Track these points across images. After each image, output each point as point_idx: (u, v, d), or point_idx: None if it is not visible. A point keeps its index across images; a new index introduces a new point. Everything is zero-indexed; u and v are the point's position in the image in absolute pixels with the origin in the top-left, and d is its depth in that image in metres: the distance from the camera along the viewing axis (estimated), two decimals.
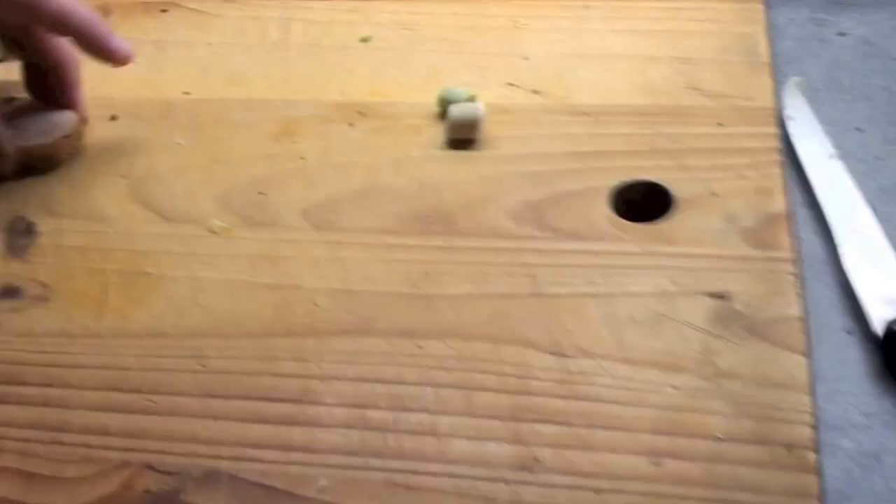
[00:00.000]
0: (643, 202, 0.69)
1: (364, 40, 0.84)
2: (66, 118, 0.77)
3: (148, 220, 0.72)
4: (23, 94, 0.77)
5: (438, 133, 0.75)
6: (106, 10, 0.89)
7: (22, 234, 0.71)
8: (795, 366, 0.59)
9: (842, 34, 0.81)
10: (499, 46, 0.83)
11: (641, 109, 0.75)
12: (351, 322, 0.64)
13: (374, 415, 0.61)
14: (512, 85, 0.78)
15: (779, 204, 0.67)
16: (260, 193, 0.73)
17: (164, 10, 0.90)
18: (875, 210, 0.67)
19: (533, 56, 0.81)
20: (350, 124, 0.77)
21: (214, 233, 0.70)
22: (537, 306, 0.64)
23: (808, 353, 0.59)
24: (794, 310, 0.61)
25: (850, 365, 0.60)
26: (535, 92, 0.77)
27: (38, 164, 0.75)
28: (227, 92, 0.81)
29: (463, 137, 0.74)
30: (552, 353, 0.61)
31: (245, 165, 0.75)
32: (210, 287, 0.67)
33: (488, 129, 0.75)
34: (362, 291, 0.66)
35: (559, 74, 0.79)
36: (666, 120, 0.74)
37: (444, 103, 0.75)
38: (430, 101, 0.76)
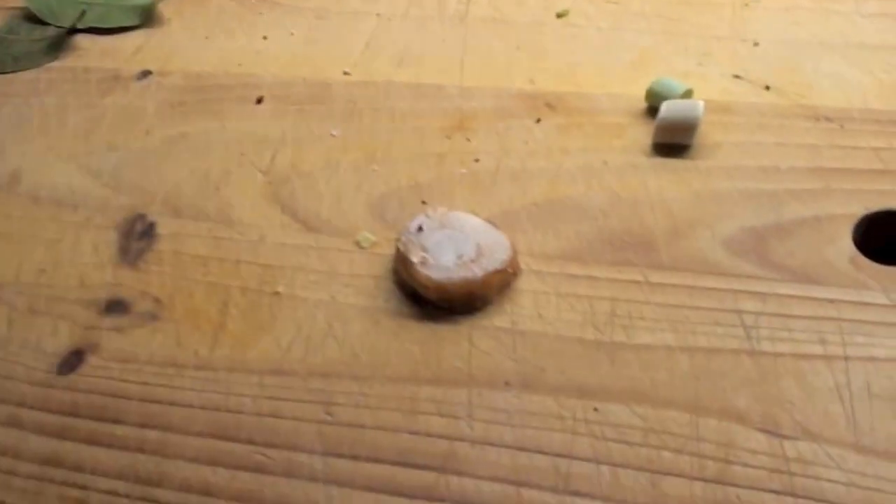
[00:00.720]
0: (894, 238, 0.62)
1: (560, 15, 0.77)
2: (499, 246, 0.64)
3: (286, 226, 0.68)
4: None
5: (644, 135, 0.70)
6: None
7: (139, 236, 0.66)
8: None
9: None
10: (723, 28, 0.77)
11: None
12: (515, 372, 0.59)
13: (532, 496, 0.55)
14: (737, 77, 0.72)
15: None
16: (423, 202, 0.67)
17: None
18: None
19: (764, 42, 0.74)
20: (536, 120, 0.72)
21: (362, 248, 0.65)
22: (751, 368, 0.58)
23: None
24: None
25: None
26: (766, 88, 0.71)
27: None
28: (394, 74, 0.76)
29: (675, 142, 0.68)
30: (765, 432, 0.55)
31: (407, 166, 0.71)
32: (350, 315, 0.63)
33: (706, 133, 0.69)
34: (531, 332, 0.60)
35: (796, 67, 0.72)
36: None
37: (655, 98, 0.70)
38: (637, 95, 0.72)
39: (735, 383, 0.57)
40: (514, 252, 0.63)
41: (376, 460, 0.56)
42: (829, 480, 0.53)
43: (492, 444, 0.56)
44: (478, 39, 0.78)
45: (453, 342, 0.61)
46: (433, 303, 0.62)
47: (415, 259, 0.61)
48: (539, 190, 0.67)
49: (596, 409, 0.57)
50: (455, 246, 0.63)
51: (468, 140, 0.71)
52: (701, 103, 0.67)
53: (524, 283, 0.63)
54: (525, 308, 0.62)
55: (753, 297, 0.60)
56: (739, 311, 0.59)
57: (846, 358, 0.57)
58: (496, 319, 0.62)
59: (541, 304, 0.62)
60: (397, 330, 0.62)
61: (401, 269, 0.63)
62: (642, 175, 0.67)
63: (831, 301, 0.59)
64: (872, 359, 0.56)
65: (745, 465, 0.54)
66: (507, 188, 0.68)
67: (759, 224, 0.63)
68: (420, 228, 0.63)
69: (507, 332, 0.61)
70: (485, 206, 0.67)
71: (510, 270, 0.62)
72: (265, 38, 0.80)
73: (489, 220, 0.64)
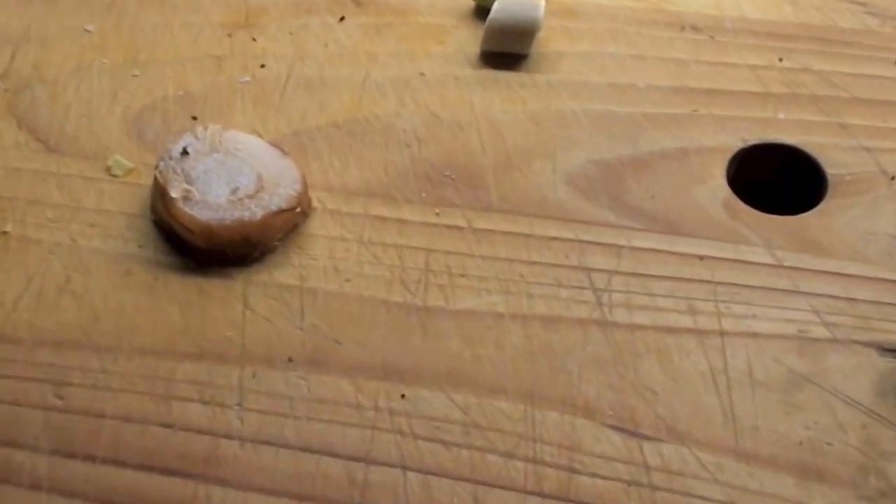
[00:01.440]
0: (777, 179, 0.54)
1: None
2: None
3: (21, 146, 0.55)
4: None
5: (471, 41, 0.60)
6: None
7: None
8: None
9: None
10: None
11: (778, 29, 0.59)
12: (301, 344, 0.48)
13: None
14: None
15: None
16: (193, 118, 0.56)
17: None
18: None
19: None
20: (339, 18, 0.62)
21: (114, 175, 0.54)
22: (602, 344, 0.47)
23: None
24: None
25: None
26: None
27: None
28: None
29: (509, 51, 0.58)
30: (620, 430, 0.44)
31: (176, 71, 0.59)
32: (94, 265, 0.51)
33: (546, 41, 0.59)
34: (324, 292, 0.50)
35: None
36: (815, 49, 0.58)
37: None
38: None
39: (582, 364, 0.46)
40: (305, 186, 0.52)
41: (117, 462, 0.44)
42: (703, 498, 0.43)
43: (268, 443, 0.45)
44: None
45: (223, 303, 0.49)
46: (200, 251, 0.50)
47: (175, 193, 0.50)
48: (339, 106, 0.57)
49: (404, 396, 0.46)
50: (229, 176, 0.51)
51: (254, 40, 0.60)
52: (541, 3, 0.58)
53: (316, 227, 0.51)
54: (317, 259, 0.50)
55: (605, 251, 0.50)
56: (588, 269, 0.50)
57: (722, 333, 0.47)
58: (280, 274, 0.50)
59: (337, 254, 0.51)
60: (153, 285, 0.50)
61: (159, 206, 0.51)
62: (468, 91, 0.57)
63: (702, 258, 0.49)
64: (754, 334, 0.47)
65: (594, 474, 0.44)
66: (299, 102, 0.57)
67: (611, 156, 0.54)
68: (185, 152, 0.51)
69: (293, 291, 0.49)
70: (271, 124, 0.56)
71: (299, 210, 0.51)
72: None
73: (275, 144, 0.53)
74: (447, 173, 0.53)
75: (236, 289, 0.49)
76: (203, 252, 0.50)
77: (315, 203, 0.52)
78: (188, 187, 0.50)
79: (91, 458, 0.45)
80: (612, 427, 0.44)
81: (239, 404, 0.46)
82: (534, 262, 0.49)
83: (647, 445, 0.44)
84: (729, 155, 0.53)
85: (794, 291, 0.48)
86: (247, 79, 0.59)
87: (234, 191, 0.50)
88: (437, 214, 0.51)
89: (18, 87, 0.58)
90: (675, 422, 0.44)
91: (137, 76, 0.58)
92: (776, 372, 0.45)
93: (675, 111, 0.56)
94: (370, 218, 0.51)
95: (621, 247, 0.50)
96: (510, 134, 0.55)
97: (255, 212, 0.50)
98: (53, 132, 0.56)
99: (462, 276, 0.49)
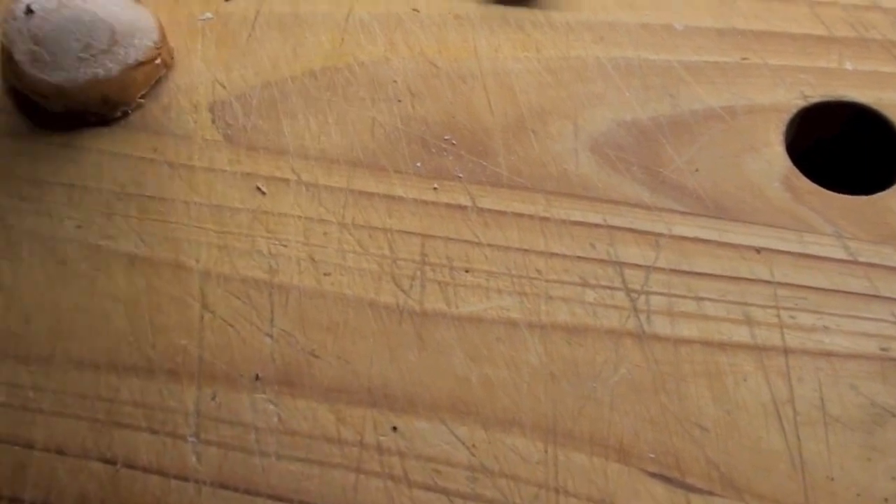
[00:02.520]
0: (846, 147, 0.46)
1: None
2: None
3: None
4: None
5: None
6: None
7: None
8: None
9: None
10: None
11: None
12: (270, 358, 0.39)
13: None
14: None
15: None
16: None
17: None
18: None
19: None
20: None
21: None
22: (639, 361, 0.39)
23: None
24: None
25: None
26: None
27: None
28: None
29: None
30: (662, 479, 0.36)
31: None
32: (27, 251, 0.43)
33: None
34: (299, 290, 0.41)
35: None
36: None
37: None
38: None
39: (615, 390, 0.38)
40: (163, 34, 0.47)
41: None
42: None
43: (229, 488, 0.37)
44: None
45: (177, 302, 0.41)
46: (57, 116, 0.45)
47: (20, 56, 0.45)
48: (317, 50, 0.48)
49: (395, 429, 0.38)
50: (80, 32, 0.45)
51: None
52: None
53: (288, 205, 0.43)
54: (289, 246, 0.42)
55: (641, 241, 0.42)
56: (619, 264, 0.41)
57: (786, 350, 0.39)
58: (244, 264, 0.42)
59: (314, 240, 0.42)
60: (93, 277, 0.42)
61: (8, 72, 0.46)
62: (471, 33, 0.49)
63: (759, 251, 0.39)
64: (826, 354, 0.39)
65: None
66: (270, 45, 0.49)
67: (644, 117, 0.45)
68: (29, 10, 0.45)
69: (260, 288, 0.41)
70: (235, 73, 0.48)
71: (159, 61, 0.46)
72: None
73: None
74: (447, 137, 0.44)
75: (192, 283, 0.40)
76: (60, 116, 0.46)
77: (289, 174, 0.42)
78: (35, 48, 0.45)
79: (17, 501, 0.37)
80: (653, 475, 0.36)
81: (195, 435, 0.38)
82: (553, 254, 0.41)
83: (695, 500, 0.35)
84: (787, 116, 0.44)
85: (872, 296, 0.40)
86: (208, 15, 0.51)
87: (86, 47, 0.45)
88: (435, 190, 0.43)
89: None
90: (731, 469, 0.36)
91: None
92: (854, 404, 0.37)
93: (721, 59, 0.47)
94: (354, 193, 0.43)
95: (660, 235, 0.41)
96: (522, 88, 0.47)
97: (110, 68, 0.45)
98: None
99: (466, 270, 0.41)
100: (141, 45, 0.46)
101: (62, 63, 0.45)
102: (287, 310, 0.40)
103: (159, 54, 0.45)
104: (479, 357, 0.38)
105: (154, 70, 0.45)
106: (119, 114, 0.45)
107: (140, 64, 0.45)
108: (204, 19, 0.49)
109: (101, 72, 0.45)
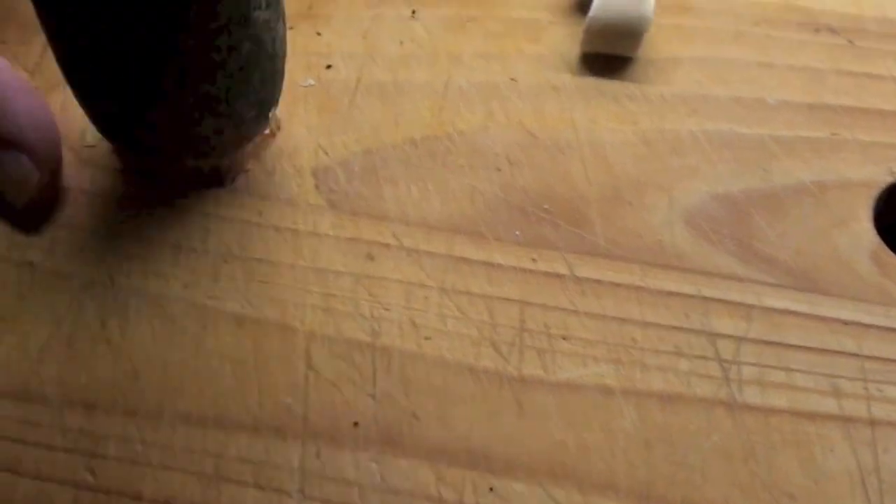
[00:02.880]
0: None
1: None
2: None
3: None
4: None
5: (572, 39, 0.53)
6: None
7: None
8: None
9: None
10: None
11: None
12: (373, 418, 0.41)
13: None
14: None
15: None
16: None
17: None
18: None
19: None
20: (412, 12, 0.54)
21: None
22: (729, 431, 0.40)
23: None
24: None
25: None
26: None
27: None
28: None
29: (614, 53, 0.51)
30: None
31: None
32: (135, 308, 0.44)
33: (658, 43, 0.52)
34: (401, 353, 0.42)
35: None
36: None
37: None
38: None
39: (706, 457, 0.39)
40: None
41: None
42: None
43: None
44: None
45: (283, 362, 0.42)
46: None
47: None
48: (417, 119, 0.50)
49: (492, 490, 0.39)
50: None
51: (318, 34, 0.53)
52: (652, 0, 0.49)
53: (390, 269, 0.44)
54: (391, 310, 0.43)
55: (733, 312, 0.42)
56: (713, 335, 0.42)
57: (872, 422, 0.40)
58: (348, 327, 0.43)
59: (415, 304, 0.43)
60: (200, 335, 0.43)
61: None
62: (568, 104, 0.50)
63: (846, 323, 0.39)
64: None
65: None
66: (371, 113, 0.50)
67: (736, 190, 0.46)
68: None
69: (363, 350, 0.42)
70: (337, 139, 0.49)
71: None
72: None
73: None
74: (545, 206, 0.46)
75: (298, 344, 0.42)
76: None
77: (390, 240, 0.44)
78: None
79: None
80: None
81: (300, 491, 0.39)
82: (648, 324, 0.42)
83: None
84: (875, 192, 0.45)
85: None
86: (311, 82, 0.51)
87: None
88: (534, 260, 0.43)
89: None
90: None
91: None
92: None
93: (812, 134, 0.48)
94: (454, 259, 0.44)
95: (751, 307, 0.42)
96: (618, 159, 0.48)
97: None
98: None
99: (563, 338, 0.42)
100: None
101: None
102: (389, 372, 0.41)
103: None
104: (575, 422, 0.40)
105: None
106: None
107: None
108: (306, 85, 0.51)
109: None
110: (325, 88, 0.50)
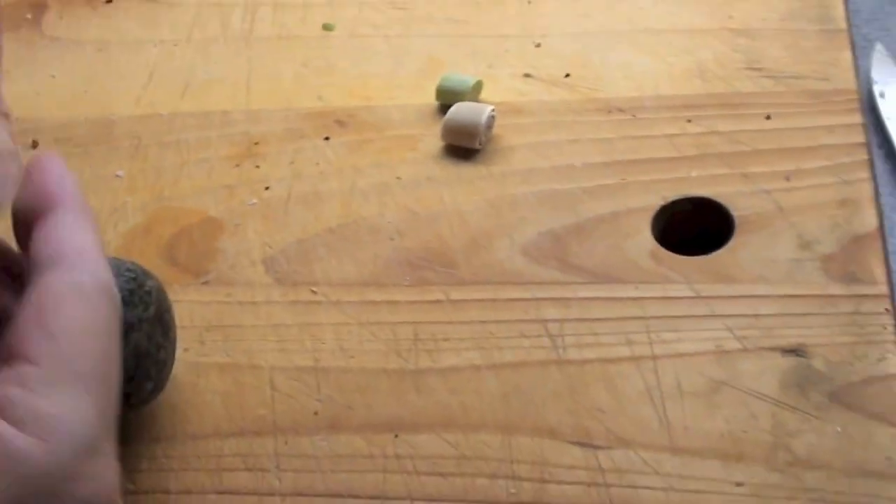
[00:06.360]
0: (692, 226, 0.62)
1: (327, 28, 0.75)
2: None
3: None
4: None
5: (437, 145, 0.69)
6: (41, 4, 0.83)
7: None
8: None
9: None
10: (511, 27, 0.75)
11: (689, 101, 0.67)
12: (318, 414, 0.58)
13: None
14: (528, 76, 0.71)
15: (867, 220, 0.60)
16: (212, 240, 0.65)
17: (109, 1, 0.82)
18: None
19: (553, 37, 0.73)
20: (326, 138, 0.70)
21: None
22: (559, 379, 0.57)
23: None
24: (892, 366, 0.53)
25: None
26: (557, 84, 0.70)
27: None
28: (179, 104, 0.74)
29: (466, 146, 0.67)
30: (579, 444, 0.54)
31: (196, 202, 0.68)
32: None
33: (499, 137, 0.68)
34: (335, 369, 0.59)
35: (586, 60, 0.71)
36: (720, 113, 0.66)
37: (445, 96, 0.69)
38: (428, 102, 0.71)
39: (545, 397, 0.56)
40: None
41: None
42: (648, 487, 0.52)
43: (303, 495, 0.55)
44: (264, 59, 0.75)
45: (255, 389, 0.59)
46: None
47: None
48: (332, 214, 0.66)
49: (405, 442, 0.56)
50: None
51: (257, 167, 0.69)
52: (488, 108, 0.65)
53: (325, 317, 0.61)
54: (326, 343, 0.60)
55: (557, 304, 0.59)
56: (544, 321, 0.59)
57: (654, 357, 0.57)
58: (297, 359, 0.60)
59: (342, 336, 0.60)
60: (197, 380, 0.61)
61: None
62: (437, 188, 0.66)
63: (635, 299, 0.58)
64: (680, 355, 0.56)
65: (561, 482, 0.53)
66: (300, 216, 0.66)
67: (557, 226, 0.62)
68: None
69: (310, 372, 0.59)
70: (278, 237, 0.65)
71: None
72: (53, 76, 0.76)
73: None
74: (425, 258, 0.62)
75: (264, 376, 0.59)
76: None
77: (321, 298, 0.63)
78: None
79: None
80: (573, 443, 0.54)
81: (277, 467, 0.56)
82: (500, 321, 0.59)
83: (600, 453, 0.53)
84: (652, 212, 0.62)
85: (710, 316, 0.57)
86: (255, 201, 0.68)
87: None
88: (420, 293, 0.61)
89: None
90: (622, 432, 0.54)
91: (165, 209, 0.69)
92: (699, 382, 0.55)
93: (607, 182, 0.64)
94: (366, 303, 0.61)
95: (569, 299, 0.60)
96: (474, 219, 0.64)
97: None
98: None
99: (445, 340, 0.59)
100: None
101: None
102: (328, 383, 0.59)
103: None
104: (455, 391, 0.57)
105: None
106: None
107: None
108: (251, 204, 0.68)
109: None
110: (266, 204, 0.68)
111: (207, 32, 0.79)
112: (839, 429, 0.52)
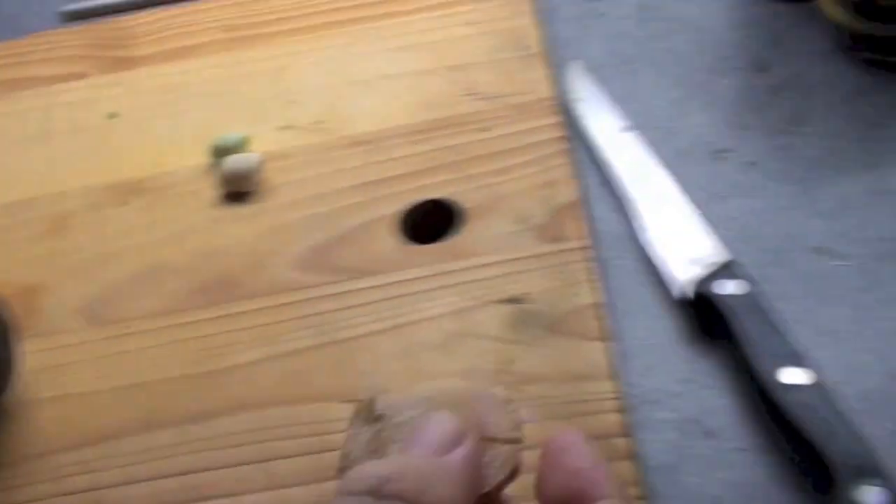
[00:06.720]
0: (432, 222, 0.73)
1: (112, 116, 0.86)
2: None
3: None
4: None
5: (219, 188, 0.78)
6: None
7: None
8: (595, 353, 0.63)
9: (616, 4, 0.84)
10: (269, 90, 0.86)
11: (420, 127, 0.79)
12: (137, 419, 0.66)
13: None
14: (287, 127, 0.81)
15: (567, 193, 0.72)
16: (33, 301, 0.73)
17: None
18: (675, 173, 0.73)
19: (306, 92, 0.85)
20: (124, 204, 0.79)
21: None
22: (331, 356, 0.67)
23: (606, 338, 0.63)
24: (588, 298, 0.66)
25: (661, 335, 0.65)
26: (311, 130, 0.79)
27: None
28: None
29: (242, 190, 0.77)
30: (349, 402, 0.61)
31: (17, 273, 0.77)
32: None
33: (269, 179, 0.78)
34: (149, 382, 0.68)
35: (334, 107, 0.83)
36: (446, 133, 0.78)
37: (219, 152, 0.79)
38: (206, 160, 0.80)
39: (320, 372, 0.66)
40: None
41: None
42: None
43: (129, 483, 0.64)
44: (61, 150, 0.87)
45: (82, 410, 0.69)
46: None
47: None
48: (136, 262, 0.76)
49: (211, 428, 0.65)
50: None
51: (67, 237, 0.78)
52: (256, 154, 0.77)
53: (135, 344, 0.72)
54: (139, 364, 0.71)
55: (326, 300, 0.70)
56: (319, 314, 0.69)
57: (401, 326, 0.68)
58: (116, 381, 0.70)
59: (153, 356, 0.70)
60: (32, 415, 0.70)
61: None
62: (222, 227, 0.76)
63: (384, 285, 0.70)
64: (423, 320, 0.67)
65: (339, 432, 0.62)
66: (109, 267, 0.76)
67: (321, 241, 0.73)
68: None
69: (128, 389, 0.69)
70: (89, 287, 0.74)
71: None
72: None
73: None
74: (217, 284, 0.72)
75: (88, 399, 0.71)
76: None
77: (133, 329, 0.74)
78: None
79: None
80: (344, 401, 0.64)
81: (106, 467, 0.67)
82: (281, 321, 0.68)
83: None
84: (398, 217, 0.73)
85: (449, 286, 0.68)
86: (67, 264, 0.80)
87: None
88: (214, 311, 0.71)
89: None
90: (381, 387, 0.64)
91: None
92: (439, 337, 0.66)
93: (359, 199, 0.75)
94: (174, 327, 0.71)
95: (336, 294, 0.69)
96: (254, 247, 0.75)
97: None
98: None
99: (239, 343, 0.68)
100: None
101: None
102: (144, 394, 0.72)
103: None
104: (246, 382, 0.69)
105: None
106: None
107: None
108: (67, 267, 0.81)
109: None
110: (77, 264, 0.80)
111: (7, 137, 0.89)
112: (550, 351, 0.64)
